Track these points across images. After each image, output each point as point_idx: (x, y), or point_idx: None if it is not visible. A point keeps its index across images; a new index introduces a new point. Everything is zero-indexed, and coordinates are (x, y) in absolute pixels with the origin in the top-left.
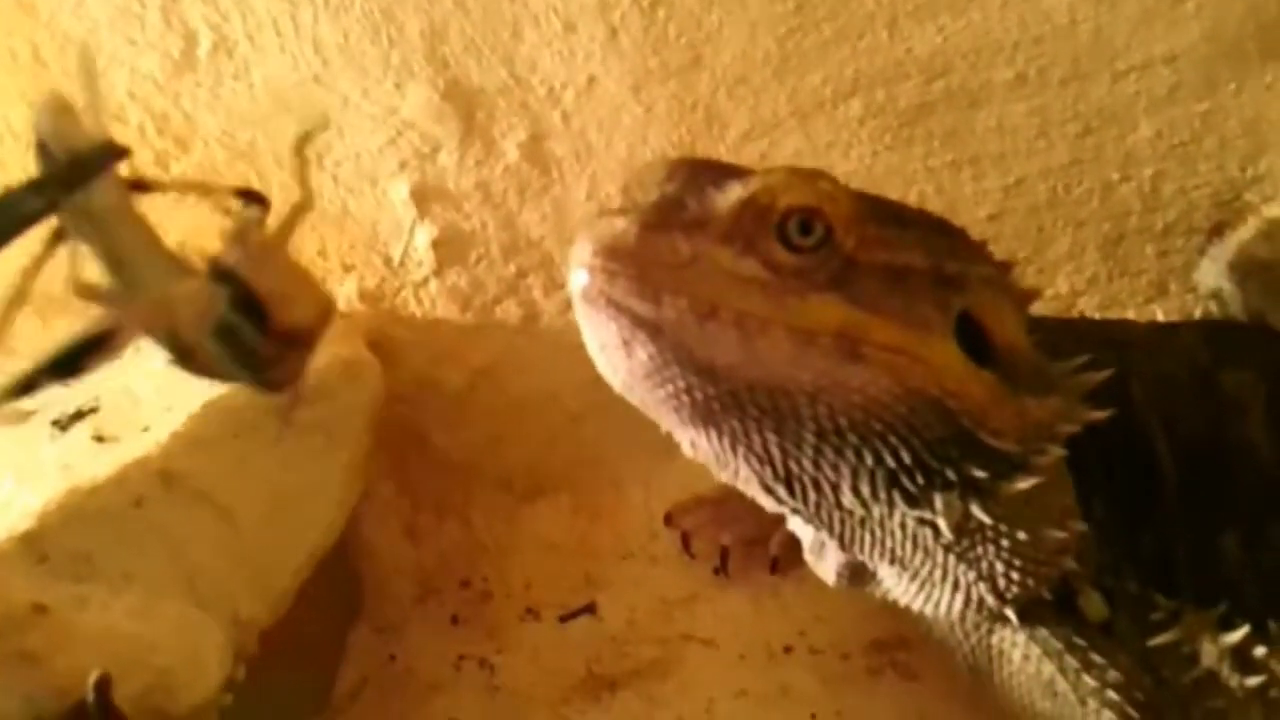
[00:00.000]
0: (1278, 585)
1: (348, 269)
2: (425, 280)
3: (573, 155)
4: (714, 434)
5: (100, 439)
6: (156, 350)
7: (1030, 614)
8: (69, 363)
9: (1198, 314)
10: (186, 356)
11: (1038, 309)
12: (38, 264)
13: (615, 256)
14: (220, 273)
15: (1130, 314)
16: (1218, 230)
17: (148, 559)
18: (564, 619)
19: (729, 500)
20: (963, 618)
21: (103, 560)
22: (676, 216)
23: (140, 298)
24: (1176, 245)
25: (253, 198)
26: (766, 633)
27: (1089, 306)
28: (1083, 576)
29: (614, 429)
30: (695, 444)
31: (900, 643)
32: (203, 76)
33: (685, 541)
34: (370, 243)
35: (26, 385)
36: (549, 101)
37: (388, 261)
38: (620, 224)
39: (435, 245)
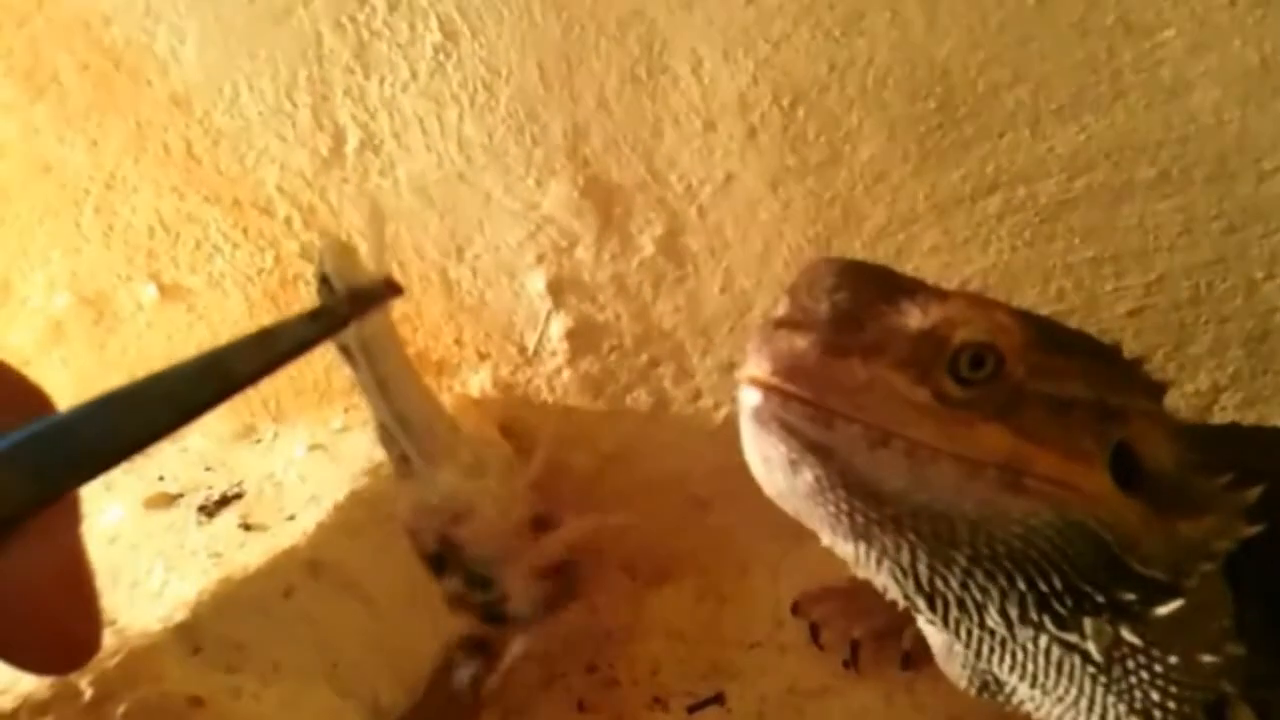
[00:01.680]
0: None
1: (483, 357)
2: (558, 369)
3: (708, 250)
4: (864, 547)
5: (248, 527)
6: (294, 437)
7: None
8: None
9: None
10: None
11: (1179, 403)
12: None
13: (793, 377)
14: None
15: (1273, 410)
16: None
17: (296, 648)
18: (692, 709)
19: (860, 592)
20: None
21: (254, 650)
22: (855, 339)
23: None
24: None
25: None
26: None
27: (1231, 403)
28: (1235, 691)
29: (741, 515)
30: (838, 547)
31: None
32: (349, 172)
33: (814, 632)
34: (505, 333)
35: None
36: (686, 197)
37: (522, 351)
38: (799, 343)
39: (569, 335)
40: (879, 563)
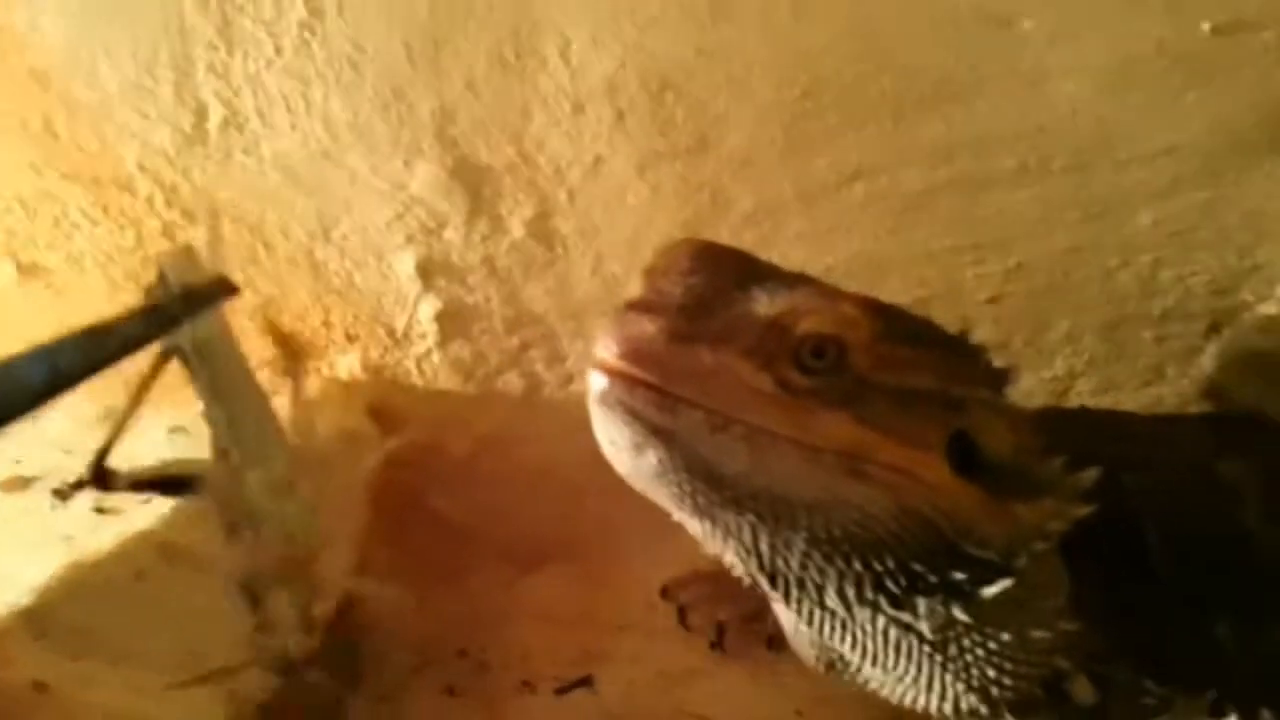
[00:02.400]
0: (1270, 673)
1: (352, 339)
2: (428, 352)
3: (578, 233)
4: (708, 525)
5: (102, 510)
6: (157, 422)
7: (1023, 706)
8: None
9: (1194, 403)
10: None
11: (1036, 388)
12: (150, 378)
13: (639, 362)
14: None
15: (1127, 397)
16: (1216, 326)
17: (147, 633)
18: (560, 692)
19: (727, 575)
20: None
21: (102, 635)
22: (703, 326)
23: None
24: (1174, 331)
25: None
26: (763, 710)
27: (1086, 388)
28: (1072, 665)
29: (615, 501)
30: (686, 523)
31: None
32: (212, 150)
33: (682, 615)
34: (375, 315)
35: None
36: (555, 180)
37: (391, 333)
38: (648, 327)
39: (439, 318)
40: (724, 540)
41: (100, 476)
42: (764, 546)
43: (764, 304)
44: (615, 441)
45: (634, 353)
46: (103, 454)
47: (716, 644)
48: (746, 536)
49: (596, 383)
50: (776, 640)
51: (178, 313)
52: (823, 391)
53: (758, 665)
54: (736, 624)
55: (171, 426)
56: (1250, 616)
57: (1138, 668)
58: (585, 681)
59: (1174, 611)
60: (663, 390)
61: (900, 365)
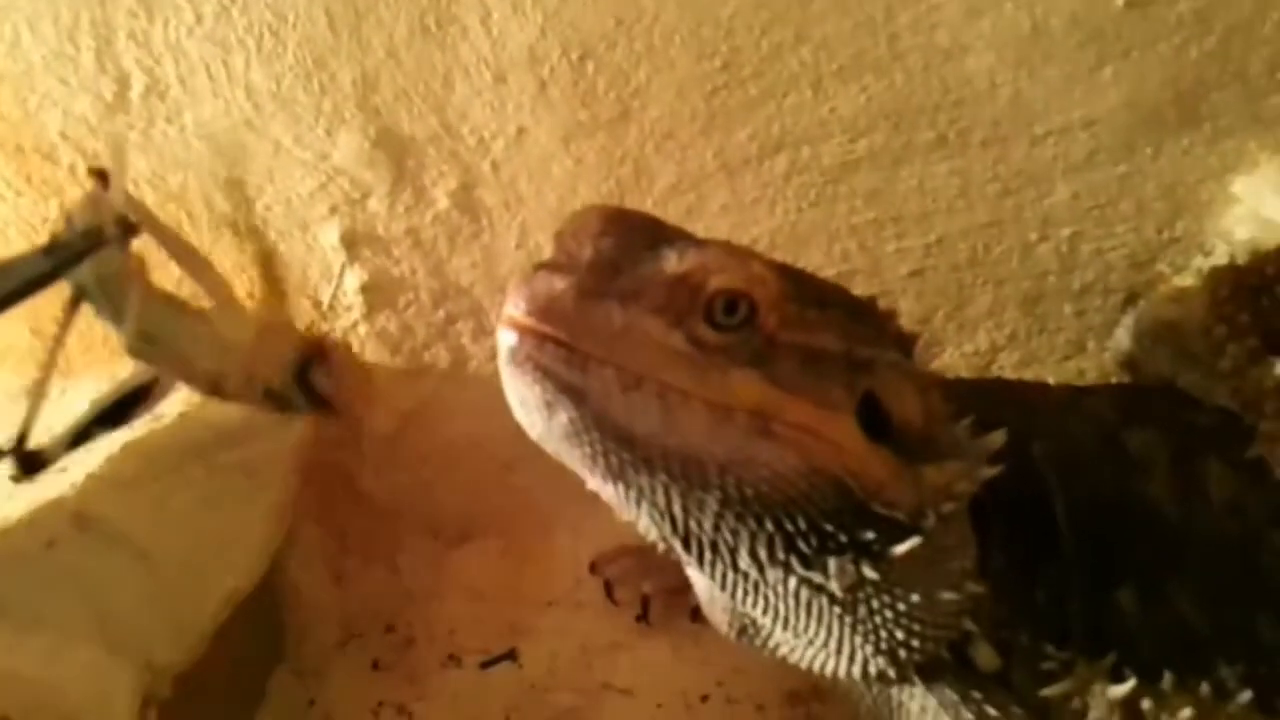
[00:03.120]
0: (1171, 639)
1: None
2: (354, 324)
3: (502, 204)
4: (622, 488)
5: (17, 479)
6: (80, 390)
7: (929, 670)
8: (116, 412)
9: (1114, 377)
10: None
11: (958, 362)
12: (65, 327)
13: (548, 318)
14: None
15: (1048, 370)
16: (1132, 298)
17: (58, 602)
18: (485, 665)
19: (653, 550)
20: (881, 681)
21: (11, 602)
22: (612, 284)
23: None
24: (1094, 304)
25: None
26: (684, 682)
27: (1009, 362)
28: (979, 630)
29: (543, 476)
30: (600, 489)
31: (815, 694)
32: (135, 119)
33: (609, 589)
34: (300, 286)
35: (79, 435)
36: (479, 151)
37: (317, 305)
38: (558, 285)
39: (364, 290)
40: (638, 504)
41: (27, 460)
42: (677, 509)
43: (673, 262)
44: (526, 401)
45: (542, 310)
46: (24, 435)
47: (642, 616)
48: (660, 499)
49: (505, 340)
50: (700, 613)
51: (78, 249)
52: (734, 349)
53: (681, 637)
54: (662, 597)
55: (94, 399)
56: (1153, 583)
57: (1038, 633)
58: (510, 655)
59: (1077, 578)
60: (572, 347)
61: (808, 325)
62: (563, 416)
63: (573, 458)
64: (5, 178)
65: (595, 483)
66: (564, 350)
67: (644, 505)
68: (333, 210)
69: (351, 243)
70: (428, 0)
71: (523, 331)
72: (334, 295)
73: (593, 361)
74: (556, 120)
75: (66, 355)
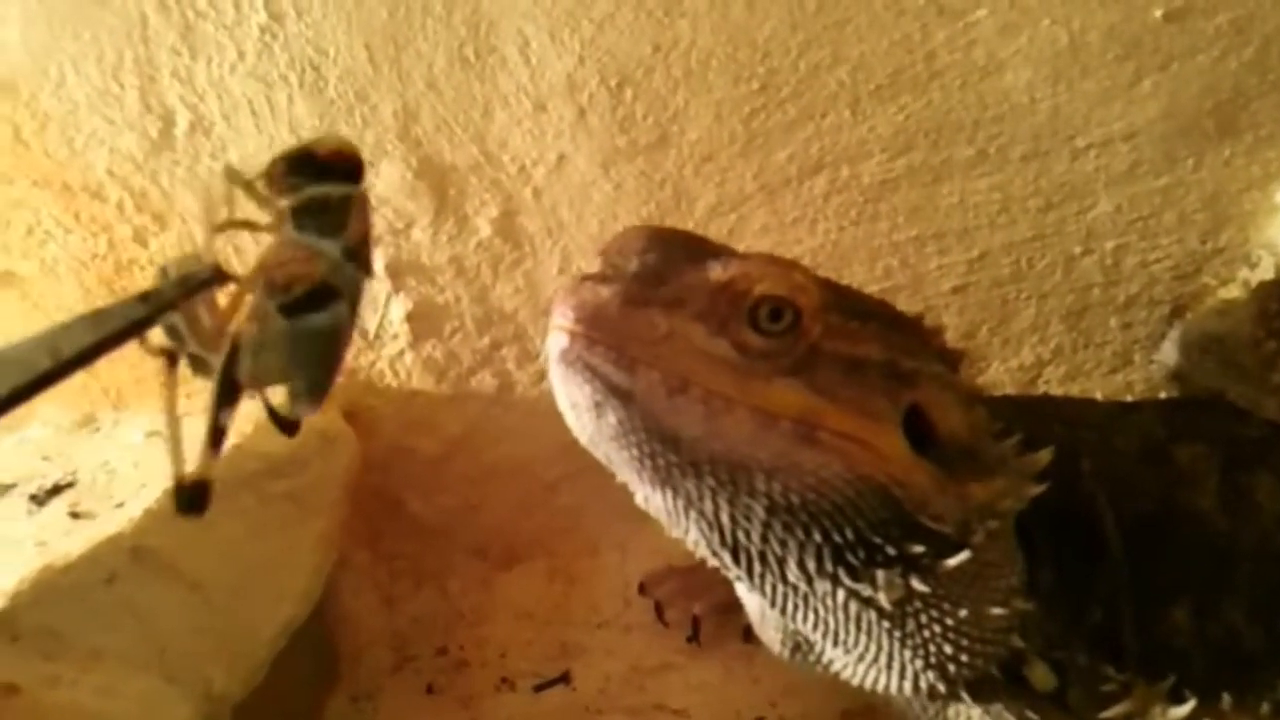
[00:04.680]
0: (1227, 657)
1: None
2: (401, 353)
3: (544, 231)
4: (670, 495)
5: (76, 515)
6: (134, 425)
7: (982, 689)
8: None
9: (1161, 390)
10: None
11: (1003, 378)
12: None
13: (596, 325)
14: None
15: (1094, 384)
16: (1178, 311)
17: (118, 635)
18: (538, 689)
19: (702, 569)
20: (931, 697)
21: (73, 637)
22: (656, 292)
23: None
24: (1139, 317)
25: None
26: (737, 703)
27: (1054, 377)
28: (1029, 648)
29: (589, 496)
30: (649, 500)
31: (868, 713)
32: (180, 155)
33: (659, 610)
34: None
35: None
36: (520, 179)
37: (363, 334)
38: (604, 293)
39: (410, 318)
40: (686, 512)
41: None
42: (725, 517)
43: (717, 271)
44: (576, 403)
45: (589, 318)
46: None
47: (693, 638)
48: (708, 506)
49: (556, 342)
50: (752, 633)
51: (173, 295)
52: (777, 356)
53: (732, 658)
54: (712, 617)
55: (149, 431)
56: (1207, 601)
57: (1095, 653)
58: (563, 678)
59: (1129, 596)
60: (620, 350)
61: (851, 335)
62: (611, 417)
63: (621, 461)
64: (54, 215)
65: (644, 491)
66: (613, 352)
67: (692, 514)
68: (377, 240)
69: (396, 272)
70: (466, 31)
71: (572, 336)
72: (379, 324)
73: (640, 364)
74: (596, 146)
75: (118, 387)
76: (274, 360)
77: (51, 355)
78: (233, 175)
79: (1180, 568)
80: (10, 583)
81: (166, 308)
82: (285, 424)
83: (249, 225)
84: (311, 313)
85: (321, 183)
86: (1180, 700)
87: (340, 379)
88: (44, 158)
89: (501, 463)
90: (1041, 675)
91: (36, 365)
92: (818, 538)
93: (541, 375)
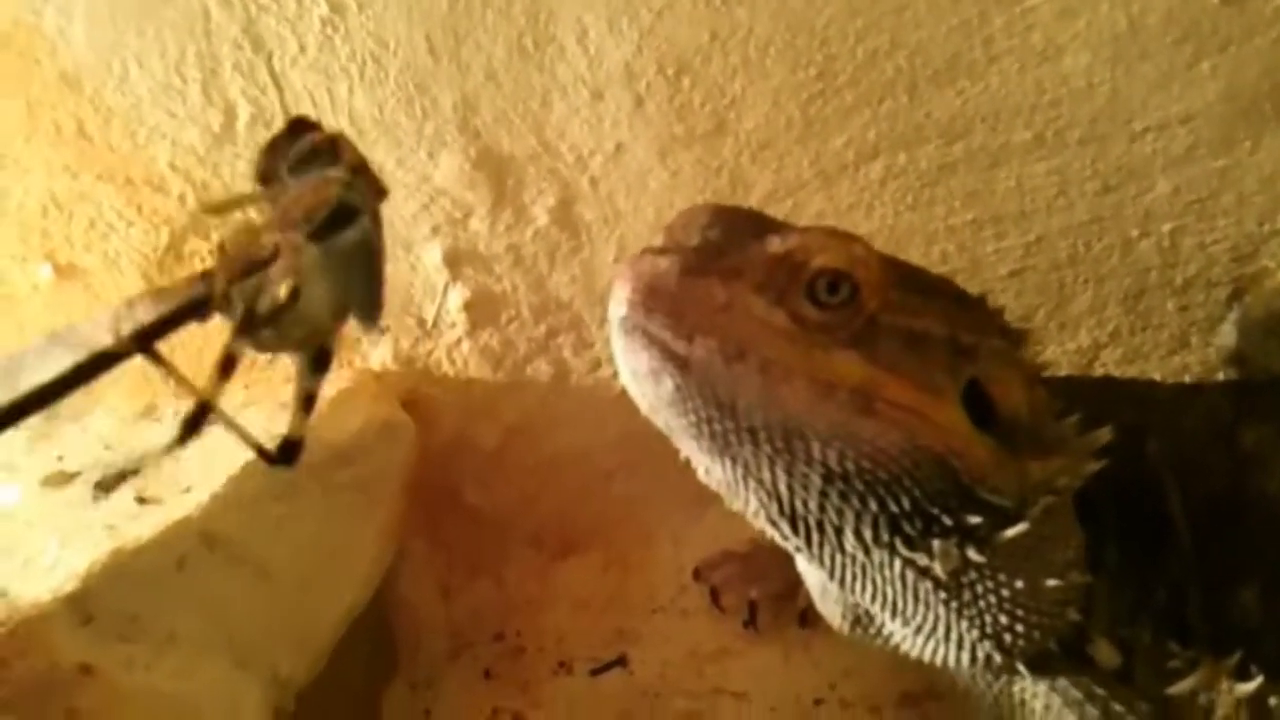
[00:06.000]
0: None
1: (382, 331)
2: (458, 341)
3: (601, 219)
4: (728, 464)
5: (143, 500)
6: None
7: (1048, 665)
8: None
9: (1221, 373)
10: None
11: (1060, 360)
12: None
13: (654, 294)
14: None
15: (1152, 367)
16: (1237, 293)
17: (190, 619)
18: (595, 672)
19: (757, 554)
20: (987, 669)
21: (148, 620)
22: (715, 263)
23: None
24: (1197, 299)
25: None
26: (797, 686)
27: (1111, 359)
28: (1094, 626)
29: (644, 485)
30: (710, 471)
31: (930, 694)
32: (241, 148)
33: (714, 596)
34: (404, 306)
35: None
36: (577, 168)
37: (421, 323)
38: (663, 264)
39: (467, 307)
40: (745, 481)
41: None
42: (782, 486)
43: (775, 244)
44: (636, 370)
45: (648, 287)
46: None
47: (749, 623)
48: (766, 475)
49: (616, 311)
50: (809, 617)
51: (233, 272)
52: (835, 328)
53: (790, 642)
54: (768, 602)
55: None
56: (1274, 580)
57: (1160, 631)
58: (620, 662)
59: (1195, 576)
60: (678, 318)
61: (910, 309)
62: (668, 384)
63: (679, 428)
64: (116, 209)
65: (704, 461)
66: (670, 319)
67: (751, 483)
68: (435, 230)
69: (454, 261)
70: (525, 22)
71: (631, 305)
72: (438, 313)
73: (697, 332)
74: (653, 134)
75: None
76: (319, 292)
77: (113, 333)
78: (211, 206)
79: (1247, 548)
80: (81, 566)
81: (226, 285)
82: (275, 458)
83: (248, 199)
84: (339, 233)
85: (298, 142)
86: (1247, 677)
87: (397, 367)
88: (107, 151)
89: (558, 452)
90: (1106, 653)
91: (96, 343)
92: (874, 506)
93: (597, 363)
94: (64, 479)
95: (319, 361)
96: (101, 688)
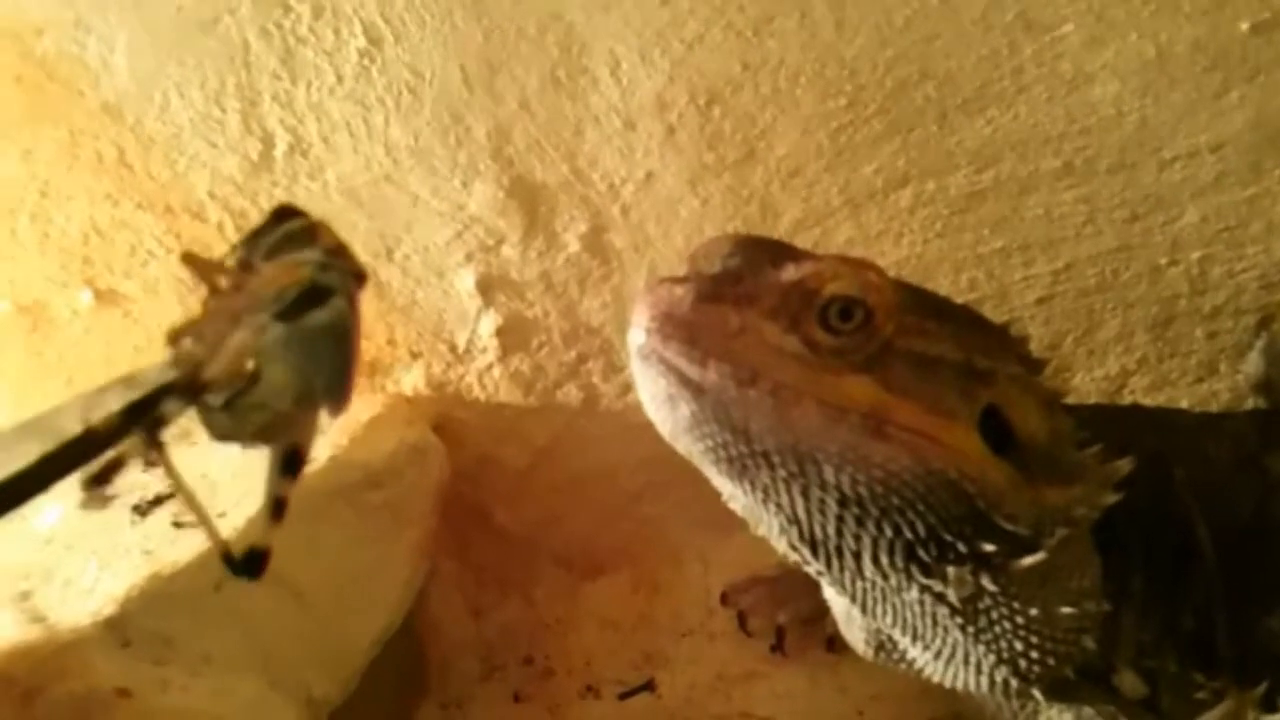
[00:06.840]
0: None
1: (415, 356)
2: (489, 366)
3: (632, 246)
4: (748, 488)
5: (179, 525)
6: None
7: (1070, 692)
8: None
9: (1248, 400)
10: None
11: (1088, 388)
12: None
13: (670, 321)
14: None
15: (1180, 394)
16: (1265, 321)
17: (226, 641)
18: (623, 696)
19: (785, 579)
20: (1007, 696)
21: (183, 643)
22: (730, 290)
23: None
24: (1225, 326)
25: None
26: (824, 711)
27: (1139, 387)
28: (1120, 655)
29: (672, 507)
30: (733, 496)
31: None
32: (279, 176)
33: (742, 620)
34: (437, 331)
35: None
36: (609, 196)
37: (453, 349)
38: (679, 291)
39: (499, 333)
40: (765, 505)
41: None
42: (800, 510)
43: (790, 271)
44: (653, 395)
45: (664, 314)
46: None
47: (777, 647)
48: (784, 499)
49: (634, 338)
50: (836, 641)
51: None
52: (848, 353)
53: (818, 666)
54: (796, 626)
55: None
56: None
57: (1187, 661)
58: (648, 686)
59: (1223, 603)
60: (692, 344)
61: (926, 334)
62: (684, 409)
63: (697, 453)
64: (156, 236)
65: (725, 486)
66: (685, 346)
67: (770, 507)
68: (468, 257)
69: (486, 288)
70: (559, 53)
71: (648, 332)
72: (470, 339)
73: (711, 358)
74: (684, 163)
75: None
76: (280, 373)
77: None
78: (191, 259)
79: (1274, 577)
80: (119, 589)
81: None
82: (239, 566)
83: (220, 267)
84: (309, 312)
85: (277, 229)
86: (1274, 709)
87: (429, 392)
88: (147, 180)
89: (586, 474)
90: (1131, 683)
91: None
92: (889, 532)
93: (626, 388)
94: (102, 501)
95: (289, 463)
96: (138, 710)
